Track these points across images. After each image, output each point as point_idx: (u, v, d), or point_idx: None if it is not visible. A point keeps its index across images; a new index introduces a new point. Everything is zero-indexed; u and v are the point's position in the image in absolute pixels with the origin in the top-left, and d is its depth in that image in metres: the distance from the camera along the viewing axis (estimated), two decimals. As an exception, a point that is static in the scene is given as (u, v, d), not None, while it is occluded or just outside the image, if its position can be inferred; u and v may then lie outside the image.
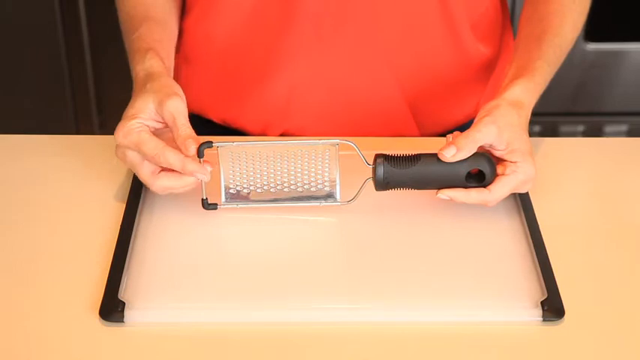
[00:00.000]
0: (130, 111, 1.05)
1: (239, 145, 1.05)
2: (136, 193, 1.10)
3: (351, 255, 1.03)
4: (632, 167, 1.20)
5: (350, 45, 1.22)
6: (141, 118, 1.04)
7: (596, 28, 2.04)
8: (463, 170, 1.04)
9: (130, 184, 1.12)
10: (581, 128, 2.25)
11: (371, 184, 1.06)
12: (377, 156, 1.05)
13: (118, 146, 1.05)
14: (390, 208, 1.09)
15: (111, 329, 0.94)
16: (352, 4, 1.20)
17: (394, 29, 1.22)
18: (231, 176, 1.06)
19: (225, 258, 1.02)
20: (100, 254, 1.03)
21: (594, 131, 2.23)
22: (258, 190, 1.06)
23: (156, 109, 1.05)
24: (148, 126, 1.04)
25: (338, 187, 1.06)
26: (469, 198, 1.05)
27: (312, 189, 1.06)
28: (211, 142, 1.03)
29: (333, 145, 1.05)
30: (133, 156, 1.04)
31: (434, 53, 1.25)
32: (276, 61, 1.23)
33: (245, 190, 1.06)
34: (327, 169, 1.06)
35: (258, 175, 1.06)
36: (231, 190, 1.06)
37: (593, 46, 2.11)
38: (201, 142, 1.03)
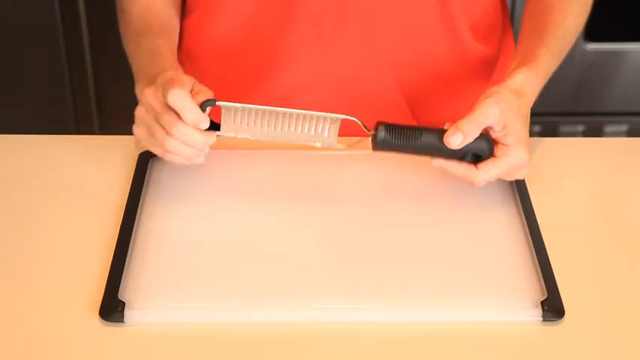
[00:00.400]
0: (166, 75, 1.05)
1: (243, 108, 1.05)
2: (136, 193, 1.10)
3: (351, 255, 1.03)
4: (632, 167, 1.20)
5: (350, 44, 1.22)
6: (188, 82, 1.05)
7: (596, 28, 2.03)
8: (462, 149, 1.05)
9: (130, 184, 1.12)
10: (581, 128, 2.25)
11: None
12: (378, 123, 1.05)
13: (141, 105, 1.06)
14: (391, 208, 1.09)
15: (111, 329, 0.94)
16: (352, 3, 1.20)
17: (393, 28, 1.22)
18: (232, 124, 1.05)
19: (225, 258, 1.02)
20: (100, 254, 1.03)
21: (594, 131, 2.23)
22: (257, 126, 1.06)
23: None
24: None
25: (336, 135, 1.07)
26: (458, 170, 1.05)
27: (311, 132, 1.06)
28: (214, 100, 1.03)
29: (335, 119, 1.06)
30: (148, 116, 1.05)
31: (433, 52, 1.25)
32: (278, 60, 1.23)
33: (245, 124, 1.05)
34: (327, 129, 1.07)
35: (259, 119, 1.06)
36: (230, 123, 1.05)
37: (593, 46, 2.11)
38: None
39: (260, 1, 1.21)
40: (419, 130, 1.05)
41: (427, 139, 1.05)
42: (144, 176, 1.13)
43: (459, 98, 1.31)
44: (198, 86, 1.06)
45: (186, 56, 1.29)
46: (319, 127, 1.06)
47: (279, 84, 1.25)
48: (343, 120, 1.06)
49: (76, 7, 2.19)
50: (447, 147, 1.04)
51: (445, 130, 1.06)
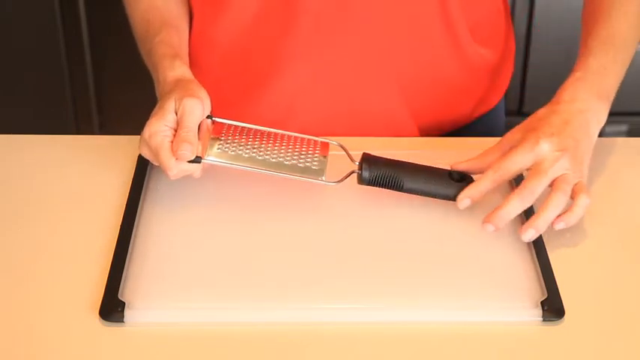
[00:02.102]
0: (158, 110, 1.07)
1: (235, 125, 1.08)
2: (136, 193, 1.10)
3: (352, 255, 1.03)
4: (632, 167, 1.20)
5: (350, 47, 1.22)
6: (167, 120, 1.05)
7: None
8: (444, 172, 1.06)
9: (130, 184, 1.12)
10: (581, 128, 2.24)
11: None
12: (363, 158, 1.06)
13: (141, 139, 1.06)
14: (391, 208, 1.09)
15: (111, 329, 0.94)
16: (352, 7, 1.20)
17: (393, 30, 1.22)
18: (221, 141, 1.07)
19: (225, 258, 1.02)
20: (100, 254, 1.03)
21: (594, 131, 2.23)
22: (245, 155, 1.06)
23: (175, 107, 1.06)
24: (174, 130, 1.06)
25: (325, 169, 1.06)
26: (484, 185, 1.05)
27: (299, 164, 1.06)
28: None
29: (325, 143, 1.08)
30: (148, 154, 1.06)
31: (433, 54, 1.25)
32: (279, 65, 1.24)
33: (232, 152, 1.06)
34: (317, 153, 1.07)
35: (249, 145, 1.07)
36: (217, 149, 1.06)
37: (593, 46, 2.11)
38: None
39: (261, 6, 1.21)
40: (403, 171, 1.06)
41: (410, 184, 1.06)
42: (144, 176, 1.13)
43: (459, 100, 1.31)
44: (189, 105, 1.06)
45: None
46: (307, 158, 1.07)
47: (280, 87, 1.25)
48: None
49: (76, 7, 2.20)
50: (431, 187, 1.06)
51: (429, 167, 1.07)
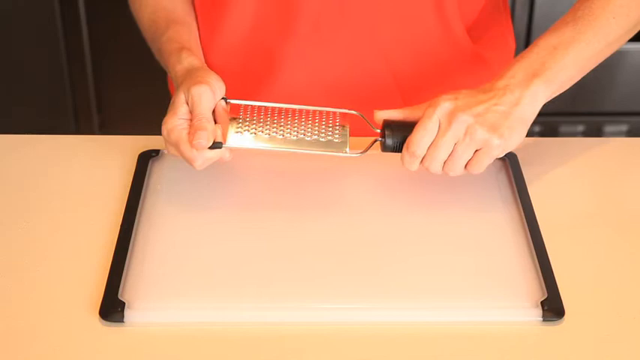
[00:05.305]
0: (171, 107, 1.07)
1: (251, 105, 1.08)
2: (136, 193, 1.10)
3: (351, 255, 1.03)
4: (632, 167, 1.20)
5: (349, 50, 1.23)
6: (180, 113, 1.06)
7: (596, 28, 2.03)
8: None
9: (130, 184, 1.12)
10: (581, 128, 2.25)
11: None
12: (385, 123, 1.06)
13: (164, 140, 1.07)
14: (391, 208, 1.09)
15: (111, 329, 0.94)
16: (350, 9, 1.20)
17: (392, 33, 1.22)
18: (240, 122, 1.07)
19: (225, 258, 1.02)
20: (100, 254, 1.03)
21: (594, 131, 2.23)
22: (266, 135, 1.06)
23: (186, 99, 1.07)
24: (190, 121, 1.06)
25: (347, 140, 1.06)
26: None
27: (321, 139, 1.06)
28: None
29: (344, 114, 1.08)
30: (173, 151, 1.07)
31: (432, 55, 1.25)
32: (277, 67, 1.24)
33: (251, 133, 1.06)
34: (337, 126, 1.07)
35: (268, 124, 1.07)
36: (237, 132, 1.06)
37: (593, 46, 2.11)
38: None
39: (259, 12, 1.21)
40: None
41: None
42: (144, 176, 1.13)
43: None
44: (198, 93, 1.06)
45: None
46: (328, 132, 1.06)
47: (278, 90, 1.25)
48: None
49: (76, 7, 2.19)
50: None
51: None
